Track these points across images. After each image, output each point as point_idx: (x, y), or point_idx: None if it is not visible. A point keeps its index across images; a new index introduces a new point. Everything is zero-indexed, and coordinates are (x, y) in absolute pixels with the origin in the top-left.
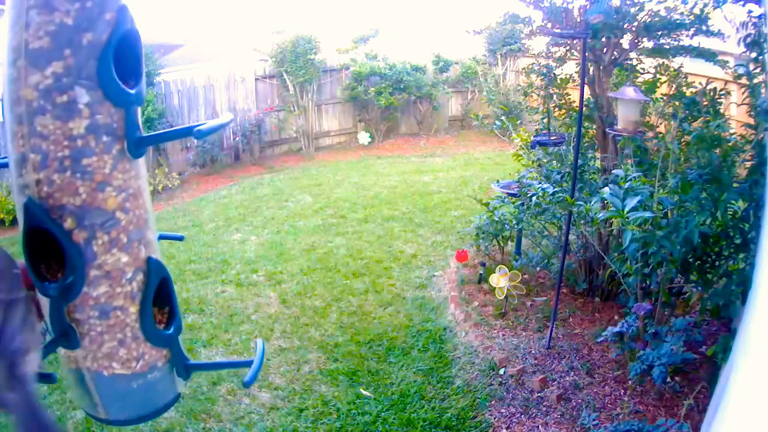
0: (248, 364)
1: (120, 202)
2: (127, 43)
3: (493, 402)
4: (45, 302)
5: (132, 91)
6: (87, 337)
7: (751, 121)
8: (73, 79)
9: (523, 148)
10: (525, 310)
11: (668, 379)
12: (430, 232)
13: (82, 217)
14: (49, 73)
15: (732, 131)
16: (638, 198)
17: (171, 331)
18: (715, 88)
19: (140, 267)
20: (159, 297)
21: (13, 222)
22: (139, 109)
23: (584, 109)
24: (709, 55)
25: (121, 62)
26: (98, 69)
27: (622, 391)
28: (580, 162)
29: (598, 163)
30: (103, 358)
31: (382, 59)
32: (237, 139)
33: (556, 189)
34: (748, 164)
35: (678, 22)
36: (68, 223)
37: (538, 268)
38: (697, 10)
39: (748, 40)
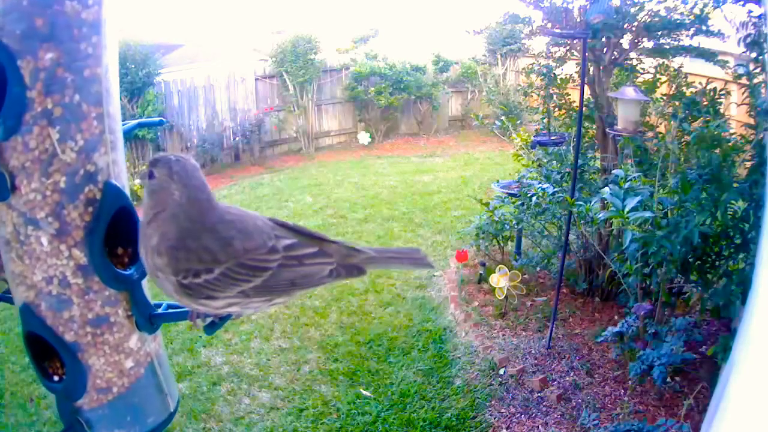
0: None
1: None
2: None
3: (493, 402)
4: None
5: None
6: None
7: (751, 121)
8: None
9: (523, 148)
10: (525, 310)
11: (668, 379)
12: (430, 232)
13: None
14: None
15: (732, 131)
16: (638, 198)
17: (60, 384)
18: (715, 88)
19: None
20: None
21: None
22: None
23: (584, 109)
24: (709, 55)
25: None
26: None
27: (622, 391)
28: (580, 162)
29: (598, 163)
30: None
31: (382, 59)
32: (237, 139)
33: (556, 189)
34: (748, 164)
35: (678, 22)
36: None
37: (538, 268)
38: (697, 10)
39: (748, 40)
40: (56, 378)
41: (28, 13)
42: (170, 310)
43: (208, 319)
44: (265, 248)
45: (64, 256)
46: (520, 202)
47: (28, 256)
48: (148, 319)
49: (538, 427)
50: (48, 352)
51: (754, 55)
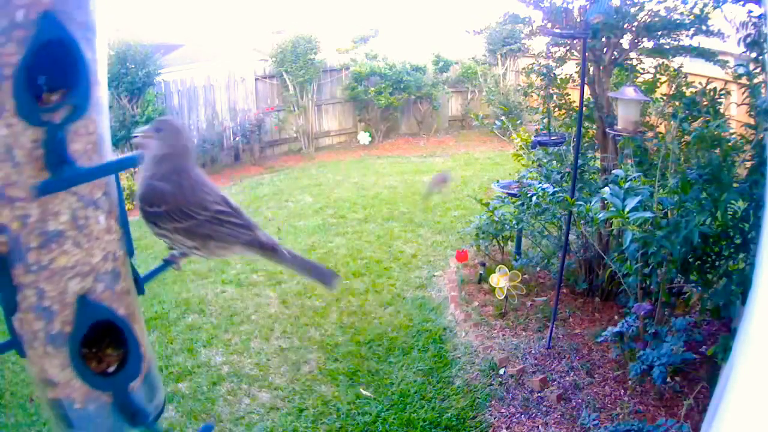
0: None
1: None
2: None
3: (493, 402)
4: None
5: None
6: (28, 353)
7: (751, 121)
8: None
9: (523, 148)
10: (525, 310)
11: (668, 379)
12: (430, 232)
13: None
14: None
15: (732, 131)
16: (638, 198)
17: (116, 376)
18: (715, 88)
19: (69, 304)
20: (111, 338)
21: None
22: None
23: (584, 109)
24: (709, 55)
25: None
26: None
27: (622, 391)
28: (580, 162)
29: (598, 163)
30: (43, 379)
31: (382, 59)
32: (237, 139)
33: (556, 189)
34: (748, 164)
35: (678, 22)
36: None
37: (538, 268)
38: (697, 10)
39: (748, 40)
40: (110, 370)
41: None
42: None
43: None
44: (200, 205)
45: (113, 230)
46: (520, 202)
47: (87, 239)
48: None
49: (538, 427)
50: (98, 344)
51: (754, 55)
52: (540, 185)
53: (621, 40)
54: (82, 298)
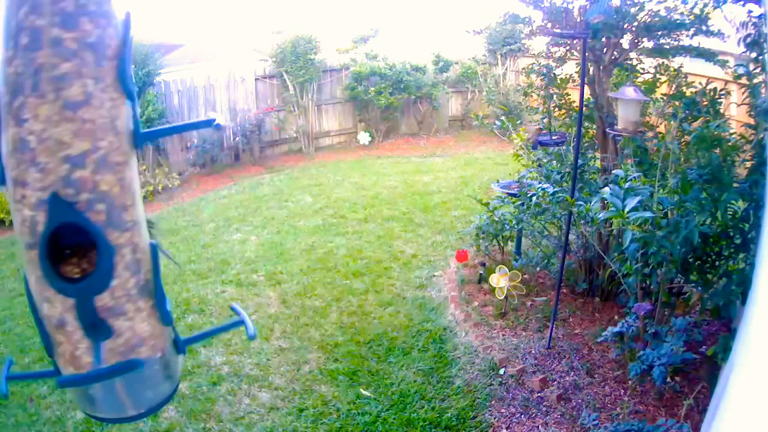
0: (237, 324)
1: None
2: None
3: (493, 402)
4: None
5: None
6: (116, 327)
7: (751, 121)
8: None
9: (523, 148)
10: (525, 310)
11: (668, 379)
12: (430, 232)
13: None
14: None
15: (732, 131)
16: (638, 198)
17: (170, 308)
18: (715, 88)
19: (147, 251)
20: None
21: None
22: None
23: (584, 109)
24: (709, 55)
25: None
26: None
27: (622, 391)
28: (580, 162)
29: (598, 163)
30: (132, 346)
31: (382, 59)
32: (237, 139)
33: (556, 189)
34: (748, 164)
35: (678, 22)
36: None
37: (538, 268)
38: (697, 10)
39: (748, 40)
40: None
41: None
42: None
43: None
44: None
45: None
46: (520, 202)
47: (139, 193)
48: None
49: (538, 427)
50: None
51: (754, 55)
52: (540, 185)
53: (621, 40)
54: (153, 243)
